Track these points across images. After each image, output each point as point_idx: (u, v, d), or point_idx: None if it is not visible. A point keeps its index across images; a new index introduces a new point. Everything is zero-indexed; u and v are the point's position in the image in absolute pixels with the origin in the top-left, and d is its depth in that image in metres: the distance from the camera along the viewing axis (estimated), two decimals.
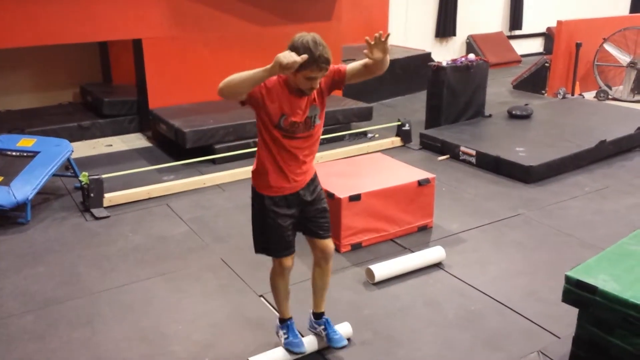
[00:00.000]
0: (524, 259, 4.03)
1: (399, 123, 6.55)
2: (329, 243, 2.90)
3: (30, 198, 4.57)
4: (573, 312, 2.74)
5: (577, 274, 2.65)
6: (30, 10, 5.63)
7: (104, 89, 7.31)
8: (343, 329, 3.09)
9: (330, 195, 4.08)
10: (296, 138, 2.64)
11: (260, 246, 2.86)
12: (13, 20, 5.58)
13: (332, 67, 2.58)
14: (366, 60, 2.59)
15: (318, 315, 3.06)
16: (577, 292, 2.62)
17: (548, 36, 12.16)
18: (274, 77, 2.52)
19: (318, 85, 2.55)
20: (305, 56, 2.35)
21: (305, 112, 2.61)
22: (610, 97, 8.58)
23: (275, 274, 2.93)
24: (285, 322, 3.02)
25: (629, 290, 2.50)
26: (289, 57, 2.31)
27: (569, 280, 2.66)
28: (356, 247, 4.13)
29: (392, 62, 8.68)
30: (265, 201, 2.71)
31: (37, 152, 4.95)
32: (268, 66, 2.34)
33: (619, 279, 2.59)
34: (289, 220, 2.76)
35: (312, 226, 2.83)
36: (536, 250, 4.14)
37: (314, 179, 2.82)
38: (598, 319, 2.59)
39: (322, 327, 3.03)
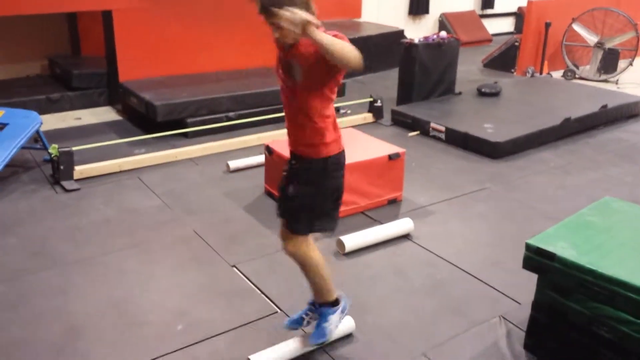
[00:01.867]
0: (489, 231, 4.16)
1: (371, 99, 6.61)
2: (283, 232, 2.67)
3: None
4: (533, 279, 2.86)
5: (537, 241, 2.77)
6: None
7: (73, 61, 7.17)
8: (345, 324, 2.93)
9: None
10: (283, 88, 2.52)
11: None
12: None
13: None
14: None
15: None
16: (536, 259, 2.74)
17: (519, 16, 12.30)
18: None
19: (283, 39, 2.30)
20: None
21: (280, 60, 2.49)
22: (577, 76, 8.78)
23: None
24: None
25: (586, 257, 2.63)
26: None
27: (529, 247, 2.77)
28: None
29: (365, 39, 8.82)
30: None
31: (5, 124, 4.87)
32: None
33: (577, 247, 2.72)
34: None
35: None
36: (501, 222, 4.28)
37: (298, 161, 2.55)
38: (556, 284, 2.72)
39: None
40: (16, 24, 6.85)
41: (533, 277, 2.84)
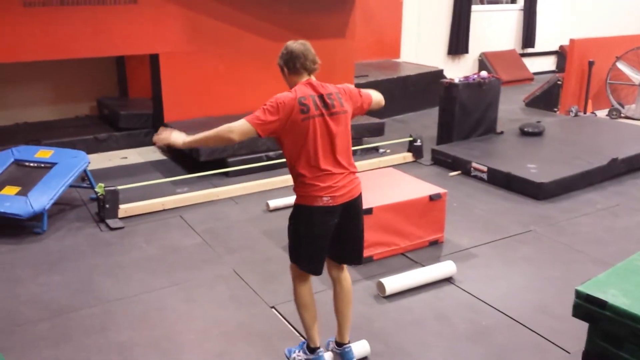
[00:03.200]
0: (534, 275, 4.03)
1: (411, 139, 6.60)
2: None
3: (47, 208, 4.65)
4: (583, 327, 2.74)
5: (587, 288, 2.66)
6: (49, 25, 5.76)
7: (120, 103, 7.43)
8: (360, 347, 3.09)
9: None
10: None
11: None
12: (32, 35, 5.71)
13: None
14: None
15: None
16: (587, 307, 2.63)
17: (561, 54, 12.19)
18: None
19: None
20: None
21: None
22: (622, 115, 8.57)
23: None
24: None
25: (639, 305, 2.50)
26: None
27: (579, 294, 2.66)
28: (367, 260, 4.15)
29: (404, 78, 8.86)
30: None
31: (55, 164, 5.04)
32: None
33: (629, 294, 2.60)
34: None
35: None
36: (547, 266, 4.14)
37: None
38: (608, 334, 2.59)
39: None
40: (67, 67, 7.17)
41: (582, 324, 2.72)
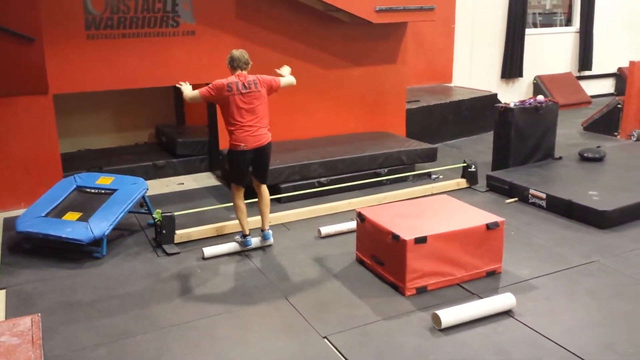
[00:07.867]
0: (600, 309, 3.83)
1: (465, 164, 6.47)
2: None
3: (106, 234, 4.79)
4: None
5: None
6: (110, 56, 6.00)
7: (178, 130, 7.63)
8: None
9: (395, 237, 4.06)
10: None
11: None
12: (95, 66, 5.96)
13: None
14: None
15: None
16: None
17: (619, 77, 11.81)
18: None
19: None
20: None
21: None
22: None
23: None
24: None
25: None
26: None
27: None
28: (421, 290, 4.07)
29: (457, 103, 8.76)
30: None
31: (115, 190, 5.19)
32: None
33: None
34: None
35: None
36: (613, 300, 3.94)
37: None
38: None
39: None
40: (127, 96, 7.44)
41: None
